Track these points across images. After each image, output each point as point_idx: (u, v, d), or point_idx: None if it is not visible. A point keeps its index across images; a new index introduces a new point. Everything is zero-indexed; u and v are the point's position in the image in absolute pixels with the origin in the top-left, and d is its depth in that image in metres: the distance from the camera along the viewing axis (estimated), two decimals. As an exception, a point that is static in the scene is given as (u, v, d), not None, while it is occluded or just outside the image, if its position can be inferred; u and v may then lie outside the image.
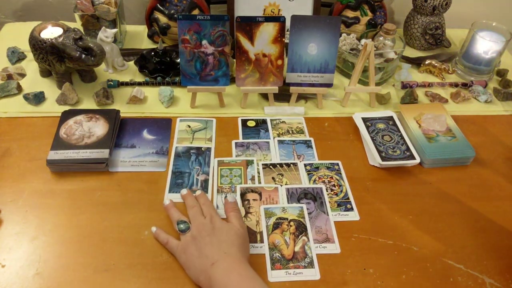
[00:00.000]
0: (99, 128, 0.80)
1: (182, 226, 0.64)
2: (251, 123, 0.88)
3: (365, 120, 0.87)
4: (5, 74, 0.92)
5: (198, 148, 0.82)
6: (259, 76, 0.88)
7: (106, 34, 0.92)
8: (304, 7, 1.04)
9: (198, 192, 0.71)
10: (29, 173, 0.74)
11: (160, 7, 1.01)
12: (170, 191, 0.74)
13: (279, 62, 0.87)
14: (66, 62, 0.84)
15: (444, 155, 0.80)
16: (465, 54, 1.03)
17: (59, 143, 0.77)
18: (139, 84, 0.93)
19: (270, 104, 0.91)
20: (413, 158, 0.79)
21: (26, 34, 0.88)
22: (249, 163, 0.79)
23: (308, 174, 0.78)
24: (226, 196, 0.72)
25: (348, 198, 0.74)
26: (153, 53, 0.95)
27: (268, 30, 0.84)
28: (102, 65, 0.91)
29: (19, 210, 0.69)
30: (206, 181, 0.76)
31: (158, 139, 0.83)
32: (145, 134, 0.83)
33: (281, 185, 0.75)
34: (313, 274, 0.63)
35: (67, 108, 0.86)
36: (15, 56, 0.97)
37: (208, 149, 0.82)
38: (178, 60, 0.91)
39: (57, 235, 0.66)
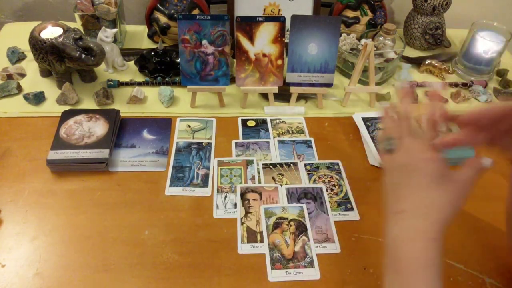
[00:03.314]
0: (99, 128, 0.80)
1: None
2: (251, 123, 0.88)
3: (365, 120, 0.87)
4: (5, 74, 0.92)
5: (199, 143, 0.82)
6: (259, 76, 0.88)
7: (106, 34, 0.92)
8: (304, 7, 1.04)
9: None
10: (29, 173, 0.74)
11: (160, 7, 1.01)
12: (171, 185, 0.74)
13: (279, 62, 0.87)
14: (66, 62, 0.84)
15: (444, 155, 0.80)
16: (465, 54, 1.03)
17: (59, 143, 0.77)
18: (139, 84, 0.93)
19: (270, 104, 0.91)
20: (413, 158, 0.79)
21: (26, 34, 0.88)
22: (249, 163, 0.79)
23: (308, 174, 0.78)
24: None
25: (348, 198, 0.74)
26: (153, 53, 0.95)
27: (268, 30, 0.84)
28: (102, 65, 0.91)
29: (19, 210, 0.69)
30: (206, 176, 0.76)
31: (158, 139, 0.83)
32: (145, 134, 0.83)
33: (281, 185, 0.75)
34: (313, 274, 0.63)
35: (67, 108, 0.86)
36: (15, 56, 0.97)
37: (209, 144, 0.82)
38: (178, 60, 0.91)
39: (57, 235, 0.66)
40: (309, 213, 0.71)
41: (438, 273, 0.45)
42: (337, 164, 0.80)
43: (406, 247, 0.47)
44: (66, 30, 0.85)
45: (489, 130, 0.53)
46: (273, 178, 0.77)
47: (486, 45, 0.98)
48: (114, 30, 0.93)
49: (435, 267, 0.46)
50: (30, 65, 0.97)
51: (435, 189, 0.49)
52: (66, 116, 0.82)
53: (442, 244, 0.47)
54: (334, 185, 0.76)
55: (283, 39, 0.86)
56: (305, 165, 0.79)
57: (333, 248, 0.66)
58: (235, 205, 0.72)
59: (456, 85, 1.01)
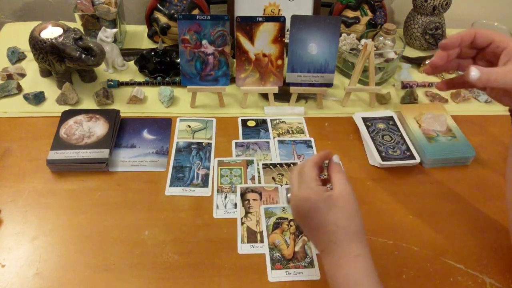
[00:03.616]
0: (99, 128, 0.80)
1: None
2: (251, 123, 0.88)
3: (365, 120, 0.87)
4: (5, 74, 0.92)
5: (199, 143, 0.82)
6: (259, 76, 0.88)
7: (106, 34, 0.92)
8: (304, 7, 1.04)
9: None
10: (29, 173, 0.74)
11: (160, 7, 1.01)
12: (171, 185, 0.74)
13: (279, 62, 0.87)
14: (66, 62, 0.84)
15: (444, 155, 0.80)
16: (465, 54, 1.03)
17: (59, 143, 0.77)
18: (139, 84, 0.93)
19: (270, 104, 0.91)
20: (413, 158, 0.79)
21: (26, 34, 0.88)
22: (249, 163, 0.79)
23: (308, 174, 0.78)
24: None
25: (348, 198, 0.74)
26: (153, 53, 0.95)
27: (268, 30, 0.84)
28: (102, 65, 0.91)
29: (19, 210, 0.69)
30: (206, 176, 0.76)
31: (158, 139, 0.83)
32: (145, 134, 0.83)
33: (281, 185, 0.75)
34: (313, 274, 0.63)
35: (67, 108, 0.86)
36: (15, 56, 0.97)
37: (209, 144, 0.82)
38: (178, 60, 0.91)
39: (57, 235, 0.66)
40: (309, 213, 0.71)
41: (375, 283, 0.49)
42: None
43: (338, 275, 0.50)
44: (66, 30, 0.85)
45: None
46: (273, 178, 0.77)
47: (486, 45, 0.98)
48: (114, 30, 0.93)
49: (369, 280, 0.49)
50: (30, 65, 0.97)
51: (328, 214, 0.51)
52: (66, 116, 0.82)
53: (368, 254, 0.51)
54: (334, 185, 0.76)
55: (283, 39, 0.86)
56: (305, 165, 0.79)
57: (333, 248, 0.66)
58: (235, 205, 0.72)
59: (456, 85, 1.01)
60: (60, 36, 0.83)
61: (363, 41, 1.02)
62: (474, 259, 0.66)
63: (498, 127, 0.92)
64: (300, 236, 0.67)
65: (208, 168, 0.78)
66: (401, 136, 0.84)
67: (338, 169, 0.55)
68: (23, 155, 0.77)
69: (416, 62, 1.06)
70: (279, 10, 1.05)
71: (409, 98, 0.94)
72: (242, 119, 0.89)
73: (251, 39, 0.85)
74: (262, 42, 0.85)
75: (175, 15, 0.97)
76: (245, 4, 1.02)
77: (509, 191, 0.61)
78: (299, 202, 0.54)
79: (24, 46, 0.94)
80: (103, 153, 0.75)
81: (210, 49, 0.84)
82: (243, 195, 0.73)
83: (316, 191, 0.52)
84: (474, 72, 0.50)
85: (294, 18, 0.83)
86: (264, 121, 0.88)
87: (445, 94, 0.98)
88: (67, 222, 0.68)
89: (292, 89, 0.90)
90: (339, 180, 0.54)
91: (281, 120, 0.89)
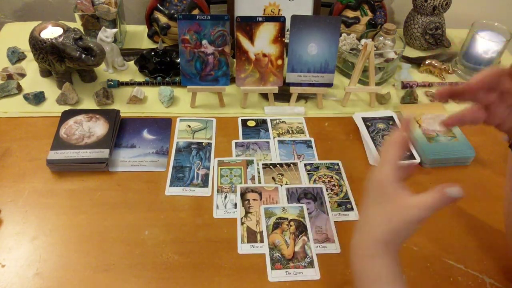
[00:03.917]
0: (99, 128, 0.80)
1: None
2: (251, 123, 0.88)
3: (365, 120, 0.87)
4: (5, 74, 0.92)
5: (199, 143, 0.82)
6: (259, 76, 0.88)
7: (106, 34, 0.92)
8: (304, 7, 1.04)
9: None
10: (29, 173, 0.74)
11: (160, 7, 1.01)
12: (171, 185, 0.74)
13: (279, 62, 0.87)
14: (66, 62, 0.84)
15: (444, 155, 0.80)
16: (465, 54, 1.03)
17: (59, 143, 0.77)
18: (139, 84, 0.93)
19: (270, 104, 0.91)
20: (413, 158, 0.79)
21: (26, 34, 0.88)
22: (249, 163, 0.79)
23: (308, 174, 0.78)
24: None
25: (348, 198, 0.74)
26: (153, 53, 0.95)
27: (268, 30, 0.84)
28: (102, 65, 0.91)
29: (19, 210, 0.69)
30: (206, 176, 0.76)
31: (158, 139, 0.83)
32: (145, 134, 0.83)
33: (281, 185, 0.75)
34: (313, 274, 0.63)
35: (67, 108, 0.86)
36: (15, 56, 0.97)
37: (209, 144, 0.82)
38: (178, 60, 0.91)
39: (57, 235, 0.66)
40: (309, 213, 0.71)
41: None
42: (337, 164, 0.80)
43: (352, 263, 0.49)
44: (66, 30, 0.85)
45: (485, 98, 0.54)
46: (273, 178, 0.77)
47: (486, 45, 0.98)
48: (114, 30, 0.93)
49: (379, 284, 0.45)
50: (30, 65, 0.97)
51: (371, 207, 0.49)
52: (66, 116, 0.82)
53: (387, 261, 0.46)
54: (334, 185, 0.76)
55: (283, 39, 0.86)
56: (305, 165, 0.79)
57: (333, 248, 0.66)
58: (235, 205, 0.72)
59: (456, 85, 1.01)
60: (60, 36, 0.83)
61: (363, 41, 1.02)
62: (474, 259, 0.66)
63: (498, 127, 0.91)
64: (300, 236, 0.67)
65: (208, 168, 0.78)
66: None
67: (439, 192, 0.44)
68: (23, 155, 0.77)
69: (416, 62, 1.06)
70: (279, 10, 1.05)
71: (409, 98, 0.94)
72: (242, 119, 0.89)
73: (251, 39, 0.85)
74: (262, 42, 0.85)
75: (175, 15, 0.97)
76: (245, 4, 1.02)
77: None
78: (373, 177, 0.52)
79: (24, 46, 0.94)
80: (103, 153, 0.75)
81: (210, 49, 0.84)
82: (243, 195, 0.73)
83: (393, 180, 0.49)
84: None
85: (294, 18, 0.83)
86: (264, 121, 0.88)
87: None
88: (67, 222, 0.68)
89: (292, 89, 0.90)
90: (428, 198, 0.45)
91: (281, 120, 0.89)
